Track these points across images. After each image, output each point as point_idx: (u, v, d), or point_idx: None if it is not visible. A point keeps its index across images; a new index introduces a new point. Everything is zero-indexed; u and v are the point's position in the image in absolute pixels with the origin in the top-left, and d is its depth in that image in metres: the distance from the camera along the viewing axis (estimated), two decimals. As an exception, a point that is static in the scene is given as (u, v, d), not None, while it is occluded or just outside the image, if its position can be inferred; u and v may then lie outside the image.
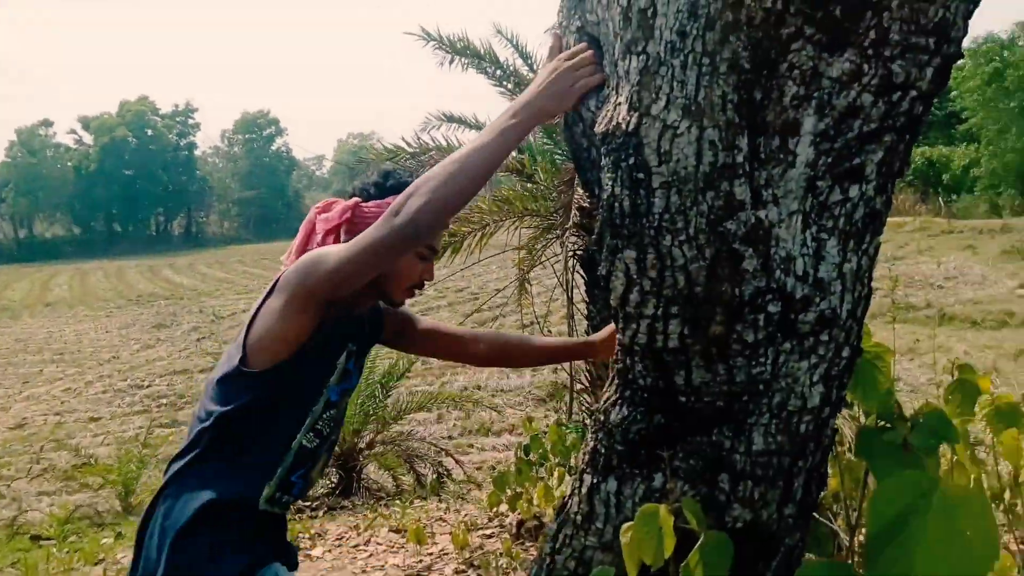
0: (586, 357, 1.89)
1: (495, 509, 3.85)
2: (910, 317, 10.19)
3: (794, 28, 1.13)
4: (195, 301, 22.12)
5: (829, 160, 1.17)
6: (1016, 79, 20.54)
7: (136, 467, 6.29)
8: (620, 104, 1.19)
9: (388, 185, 1.42)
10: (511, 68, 5.26)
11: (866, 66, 1.13)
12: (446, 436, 8.40)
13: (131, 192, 51.23)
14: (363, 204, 1.42)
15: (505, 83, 5.41)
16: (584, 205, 5.19)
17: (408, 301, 1.50)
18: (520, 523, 3.36)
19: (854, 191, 1.19)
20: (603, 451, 1.31)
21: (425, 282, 1.47)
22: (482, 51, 4.95)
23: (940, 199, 20.92)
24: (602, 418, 1.33)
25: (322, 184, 72.94)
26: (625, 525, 1.17)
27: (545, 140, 5.60)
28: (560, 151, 5.51)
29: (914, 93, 1.16)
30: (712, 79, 1.14)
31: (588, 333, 6.04)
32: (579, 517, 1.33)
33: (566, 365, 6.47)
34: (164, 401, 11.18)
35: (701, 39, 1.13)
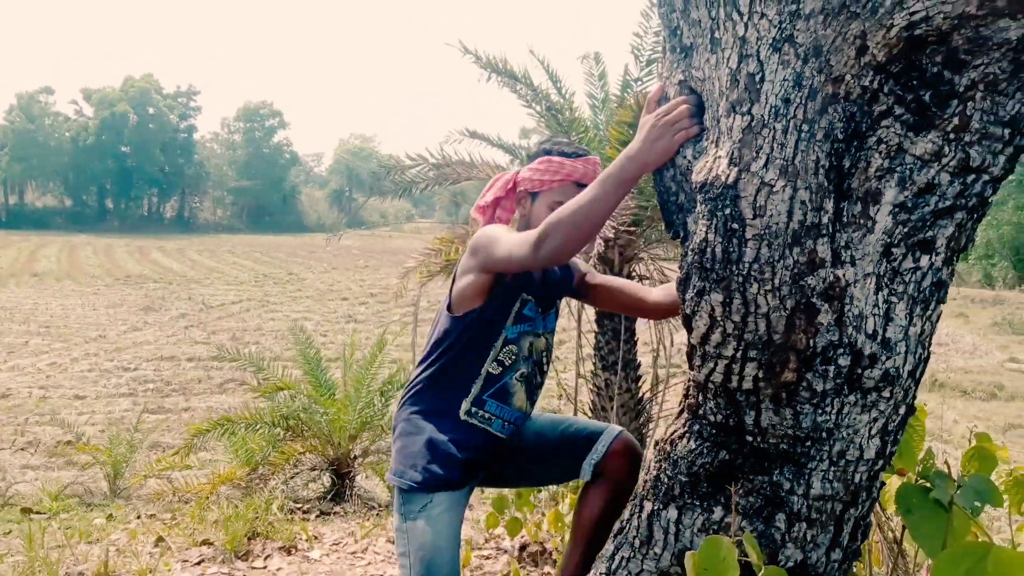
0: None
1: (491, 531, 3.88)
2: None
3: (886, 106, 1.23)
4: (184, 287, 22.01)
5: (905, 230, 1.27)
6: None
7: (126, 450, 6.28)
8: (720, 158, 1.28)
9: (530, 156, 1.86)
10: (542, 91, 5.37)
11: (947, 148, 1.23)
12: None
13: (126, 169, 50.90)
14: (518, 176, 1.85)
15: (535, 105, 5.52)
16: (608, 236, 5.27)
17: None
18: (523, 547, 3.40)
19: (924, 261, 1.29)
20: (666, 480, 1.39)
21: None
22: (519, 74, 5.06)
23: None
24: (668, 448, 1.41)
25: (319, 182, 72.75)
26: (689, 553, 1.25)
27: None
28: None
29: (986, 177, 1.26)
30: (809, 144, 1.23)
31: (596, 363, 6.03)
32: (637, 541, 1.41)
33: (569, 389, 6.53)
34: (151, 386, 11.12)
35: (803, 107, 1.22)
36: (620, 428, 1.84)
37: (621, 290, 1.94)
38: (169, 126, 53.21)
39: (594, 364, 6.84)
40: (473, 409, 1.78)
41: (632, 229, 5.11)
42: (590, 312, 6.18)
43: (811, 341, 1.27)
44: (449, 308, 1.80)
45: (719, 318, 1.29)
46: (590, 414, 6.56)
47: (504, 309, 1.78)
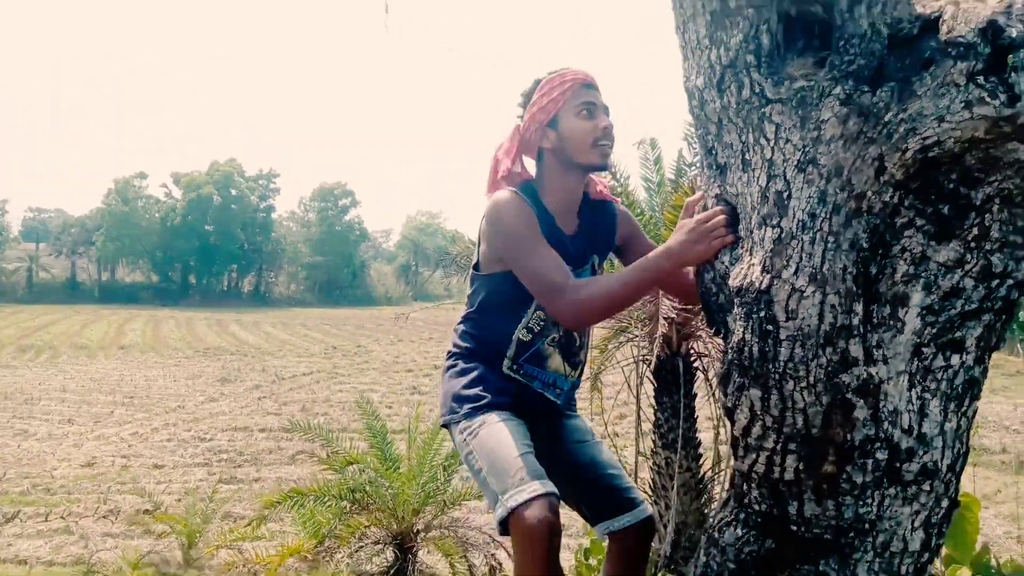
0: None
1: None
2: (983, 460, 9.83)
3: (907, 219, 1.34)
4: (258, 359, 22.82)
5: (934, 331, 1.36)
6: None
7: (201, 520, 6.52)
8: (754, 265, 1.41)
9: (524, 99, 1.78)
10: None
11: (969, 256, 1.32)
12: (494, 527, 8.38)
13: (208, 247, 53.75)
14: (520, 126, 1.78)
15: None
16: (672, 316, 5.35)
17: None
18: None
19: (955, 360, 1.36)
20: (715, 567, 1.47)
21: (608, 133, 1.73)
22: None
23: (1016, 339, 20.14)
24: (716, 536, 1.49)
25: (387, 256, 75.01)
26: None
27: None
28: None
29: (1011, 281, 1.34)
30: (836, 254, 1.34)
31: (655, 440, 5.96)
32: (688, 624, 1.47)
33: (631, 467, 6.47)
34: (224, 456, 11.50)
35: (828, 221, 1.35)
36: (648, 513, 1.79)
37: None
38: (249, 206, 56.23)
39: (653, 442, 6.78)
40: (513, 367, 1.77)
41: (690, 307, 5.18)
42: (648, 388, 6.18)
43: (848, 435, 1.35)
44: (476, 267, 1.81)
45: (759, 412, 1.39)
46: (650, 493, 6.47)
47: None
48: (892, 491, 1.36)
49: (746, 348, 1.40)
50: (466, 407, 1.71)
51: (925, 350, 1.36)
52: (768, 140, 1.39)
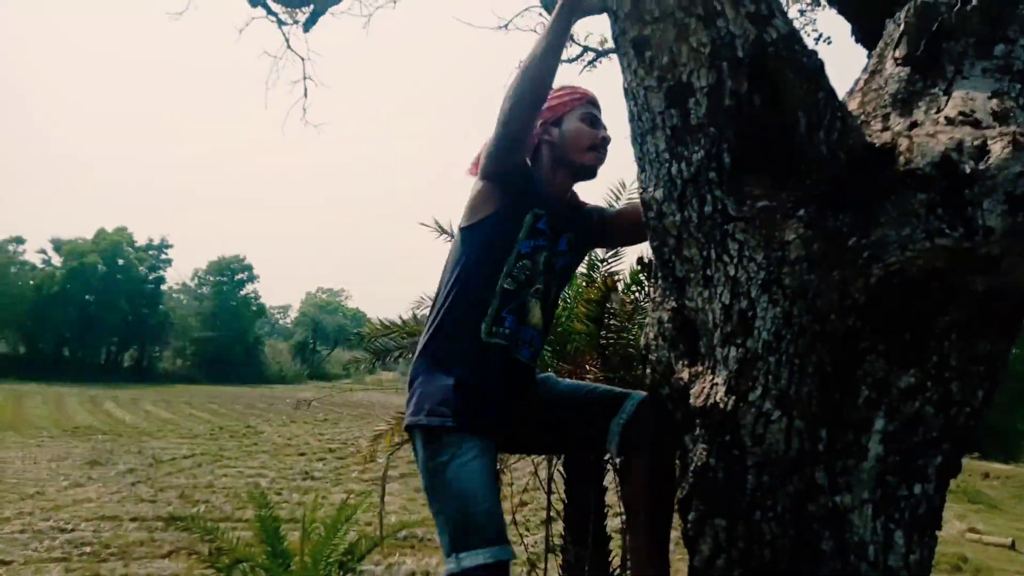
0: None
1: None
2: None
3: (869, 343, 1.33)
4: (135, 439, 21.07)
5: (897, 458, 1.33)
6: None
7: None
8: (718, 385, 1.36)
9: None
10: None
11: (929, 383, 1.32)
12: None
13: (88, 318, 50.28)
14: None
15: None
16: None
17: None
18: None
19: (918, 489, 1.34)
20: None
21: (605, 144, 1.86)
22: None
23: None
24: None
25: (284, 333, 72.50)
26: None
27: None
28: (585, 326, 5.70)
29: (968, 410, 1.34)
30: (802, 377, 1.31)
31: (565, 536, 5.80)
32: None
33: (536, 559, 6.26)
34: (87, 549, 10.30)
35: (794, 343, 1.32)
36: (645, 392, 1.70)
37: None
38: (138, 277, 53.36)
39: (563, 537, 6.60)
40: (494, 328, 1.73)
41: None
42: (559, 480, 6.05)
43: (815, 570, 1.28)
44: (461, 230, 1.83)
45: (723, 543, 1.31)
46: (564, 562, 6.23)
47: (515, 221, 1.78)
48: (859, 631, 1.29)
49: (710, 474, 1.33)
50: (440, 415, 1.65)
51: (889, 478, 1.33)
52: (732, 257, 1.37)
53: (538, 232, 1.81)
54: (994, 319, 1.30)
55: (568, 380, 1.91)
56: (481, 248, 1.79)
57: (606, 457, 5.45)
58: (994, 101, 1.46)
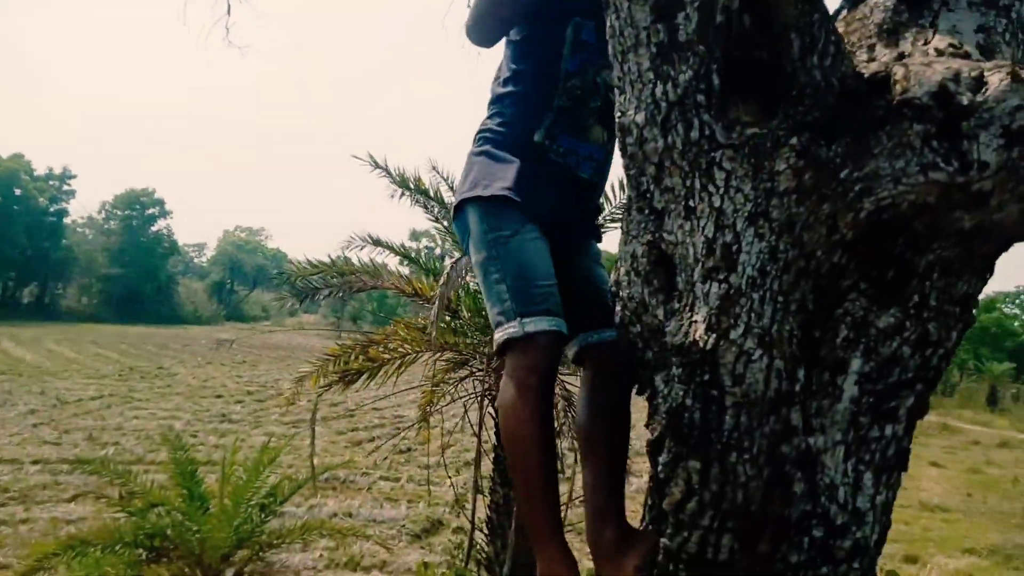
0: None
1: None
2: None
3: (852, 281, 1.28)
4: (36, 380, 20.00)
5: (871, 400, 1.30)
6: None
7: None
8: (697, 322, 1.28)
9: None
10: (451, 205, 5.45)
11: (908, 323, 1.29)
12: (311, 567, 7.80)
13: (-19, 252, 46.92)
14: None
15: (443, 220, 5.58)
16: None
17: None
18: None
19: (888, 430, 1.32)
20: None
21: None
22: (431, 192, 5.12)
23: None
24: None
25: (199, 272, 69.74)
26: None
27: (475, 280, 5.73)
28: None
29: (942, 351, 1.32)
30: (784, 315, 1.25)
31: (495, 477, 5.87)
32: None
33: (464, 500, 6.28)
34: (-16, 495, 9.78)
35: (779, 279, 1.25)
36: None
37: None
38: (37, 208, 49.88)
39: (492, 479, 6.64)
40: (547, 142, 1.66)
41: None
42: (489, 422, 6.06)
43: (787, 511, 1.25)
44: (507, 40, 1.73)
45: (696, 486, 1.26)
46: (487, 531, 6.31)
47: (556, 36, 1.66)
48: (824, 570, 1.28)
49: (686, 415, 1.27)
50: (502, 187, 1.59)
51: (862, 419, 1.30)
52: (718, 187, 1.28)
53: (584, 44, 1.66)
54: (975, 258, 1.27)
55: (600, 267, 1.79)
56: (529, 64, 1.68)
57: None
58: (980, 35, 1.42)
